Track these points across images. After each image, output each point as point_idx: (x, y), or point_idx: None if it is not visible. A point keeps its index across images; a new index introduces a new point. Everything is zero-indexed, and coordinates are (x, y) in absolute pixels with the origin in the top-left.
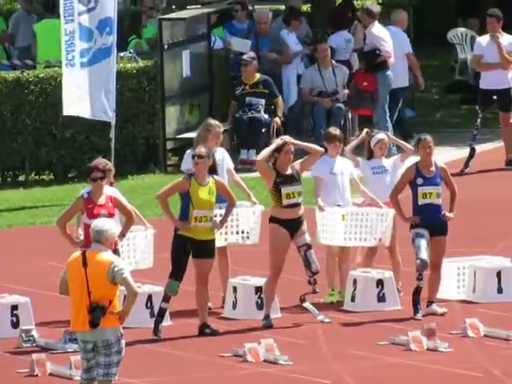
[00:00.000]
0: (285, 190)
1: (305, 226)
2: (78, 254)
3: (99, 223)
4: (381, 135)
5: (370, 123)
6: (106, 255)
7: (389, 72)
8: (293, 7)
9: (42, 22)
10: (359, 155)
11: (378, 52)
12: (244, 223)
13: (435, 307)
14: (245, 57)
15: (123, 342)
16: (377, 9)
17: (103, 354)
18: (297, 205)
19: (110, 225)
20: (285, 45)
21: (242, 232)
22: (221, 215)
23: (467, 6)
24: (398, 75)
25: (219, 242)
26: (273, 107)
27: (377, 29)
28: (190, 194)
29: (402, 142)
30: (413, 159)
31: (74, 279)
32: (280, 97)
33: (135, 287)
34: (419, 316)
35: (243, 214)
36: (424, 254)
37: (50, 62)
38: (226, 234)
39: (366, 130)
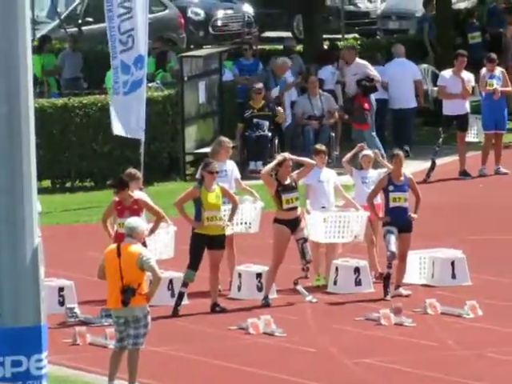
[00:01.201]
0: (285, 197)
1: (303, 224)
2: (113, 246)
3: (131, 221)
4: (366, 151)
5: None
6: (136, 247)
7: (373, 97)
8: (287, 47)
9: None
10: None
11: (370, 77)
12: (247, 216)
13: (402, 290)
14: (257, 87)
15: (149, 317)
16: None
17: (133, 328)
18: (295, 208)
19: (140, 222)
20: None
21: (246, 223)
22: (229, 210)
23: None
24: (409, 98)
25: (228, 231)
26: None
27: (361, 60)
28: (201, 199)
29: (385, 162)
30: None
31: (110, 266)
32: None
33: (159, 273)
34: (388, 297)
35: (246, 208)
36: (393, 247)
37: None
38: (232, 224)
39: (360, 144)
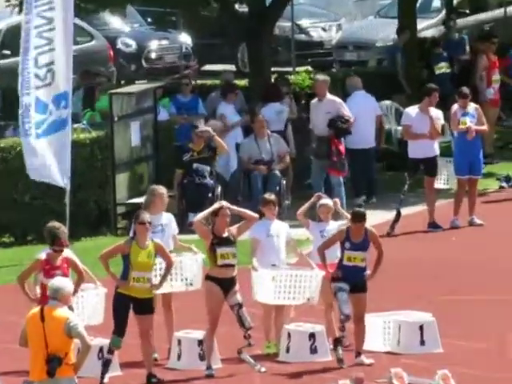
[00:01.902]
0: (220, 251)
1: (237, 286)
2: (36, 309)
3: (56, 282)
4: (324, 201)
5: (309, 187)
6: (63, 311)
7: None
8: (228, 81)
9: None
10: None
11: (345, 118)
12: (187, 271)
13: (363, 358)
14: (201, 129)
15: None
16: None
17: None
18: (231, 265)
19: (66, 283)
20: (222, 116)
21: (186, 279)
22: (163, 268)
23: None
24: (372, 136)
25: (166, 289)
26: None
27: (333, 97)
28: (130, 256)
29: (345, 213)
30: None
31: (32, 333)
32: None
33: (89, 340)
34: (344, 365)
35: (186, 262)
36: (346, 309)
37: None
38: (171, 280)
39: (316, 194)
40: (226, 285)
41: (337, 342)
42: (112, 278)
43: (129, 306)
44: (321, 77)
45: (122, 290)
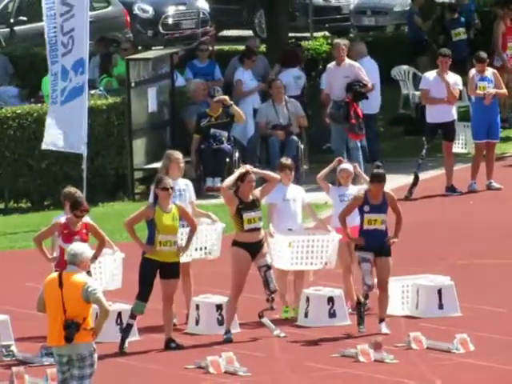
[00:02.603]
0: (246, 216)
1: (265, 249)
2: (54, 275)
3: (75, 247)
4: (344, 165)
5: (327, 152)
6: (81, 276)
7: None
8: (248, 47)
9: None
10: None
11: (363, 82)
12: (206, 240)
13: (383, 326)
14: (218, 97)
15: (95, 355)
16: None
17: (77, 367)
18: (257, 229)
19: (84, 248)
20: (238, 81)
21: (205, 248)
22: (186, 234)
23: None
24: (377, 102)
25: (185, 258)
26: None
27: (352, 61)
28: (155, 220)
29: (364, 176)
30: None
31: (50, 298)
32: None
33: (107, 305)
34: (362, 328)
35: (205, 231)
36: (369, 280)
37: None
38: (190, 250)
39: (338, 158)
40: (254, 248)
41: (359, 304)
42: (139, 244)
43: (156, 272)
44: (341, 41)
45: (150, 256)
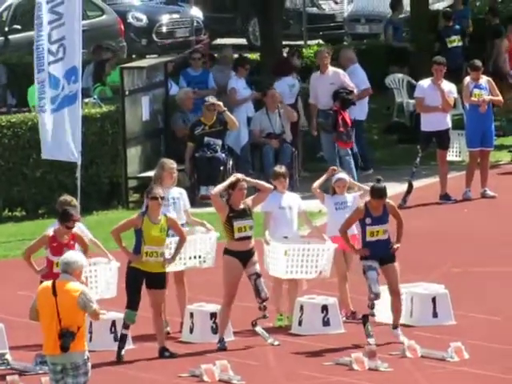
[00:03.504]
0: (237, 224)
1: (255, 257)
2: (48, 283)
3: (68, 255)
4: (340, 175)
5: (320, 160)
6: (75, 285)
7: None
8: (241, 55)
9: None
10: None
11: (349, 89)
12: (201, 248)
13: (399, 332)
14: (211, 101)
15: (89, 364)
16: None
17: (71, 376)
18: (248, 238)
19: (78, 257)
20: (232, 90)
21: (199, 257)
22: (175, 243)
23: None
24: (364, 108)
25: (179, 267)
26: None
27: (336, 68)
28: (142, 230)
29: (361, 185)
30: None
31: (44, 307)
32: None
33: (97, 308)
34: (372, 341)
35: (200, 239)
36: (376, 288)
37: None
38: (184, 258)
39: (331, 167)
40: (245, 257)
41: (365, 318)
42: (124, 252)
43: (142, 281)
44: (324, 49)
45: (135, 265)
